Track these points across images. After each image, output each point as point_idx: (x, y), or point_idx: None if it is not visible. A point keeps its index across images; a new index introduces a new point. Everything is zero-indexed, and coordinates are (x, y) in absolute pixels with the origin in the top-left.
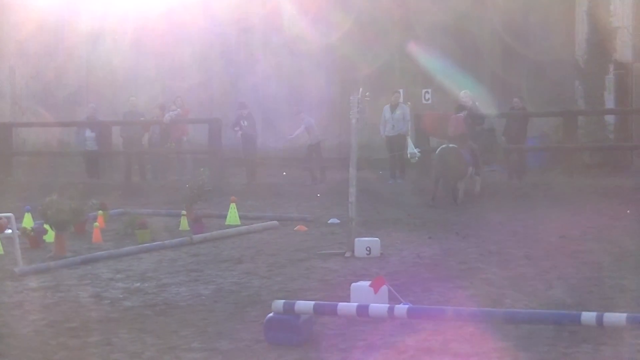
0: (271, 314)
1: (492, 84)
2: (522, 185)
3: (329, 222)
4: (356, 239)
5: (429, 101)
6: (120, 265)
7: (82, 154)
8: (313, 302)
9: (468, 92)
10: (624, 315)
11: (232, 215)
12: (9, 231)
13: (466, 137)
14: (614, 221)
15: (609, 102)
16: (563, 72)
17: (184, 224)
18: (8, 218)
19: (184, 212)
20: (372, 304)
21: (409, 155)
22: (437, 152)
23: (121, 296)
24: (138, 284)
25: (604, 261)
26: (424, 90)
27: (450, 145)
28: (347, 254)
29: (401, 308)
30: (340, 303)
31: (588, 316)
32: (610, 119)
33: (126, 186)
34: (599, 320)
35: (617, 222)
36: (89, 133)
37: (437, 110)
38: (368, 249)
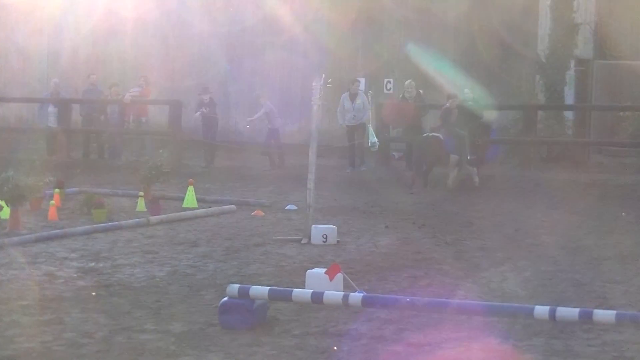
0: (226, 298)
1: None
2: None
3: (286, 208)
4: (313, 226)
5: (391, 90)
6: (75, 245)
7: (42, 130)
8: (268, 288)
9: (413, 82)
10: (577, 309)
11: (190, 197)
12: None
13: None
14: (569, 215)
15: (569, 97)
16: (525, 66)
17: (141, 205)
18: None
19: (141, 193)
20: (326, 291)
21: (369, 144)
22: (418, 140)
23: (75, 275)
24: (92, 264)
25: (558, 255)
26: (385, 80)
27: (432, 134)
28: (304, 241)
29: (356, 296)
30: (295, 289)
31: (541, 310)
32: (569, 114)
33: (84, 165)
34: (552, 314)
35: (572, 216)
36: (51, 109)
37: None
38: (324, 236)
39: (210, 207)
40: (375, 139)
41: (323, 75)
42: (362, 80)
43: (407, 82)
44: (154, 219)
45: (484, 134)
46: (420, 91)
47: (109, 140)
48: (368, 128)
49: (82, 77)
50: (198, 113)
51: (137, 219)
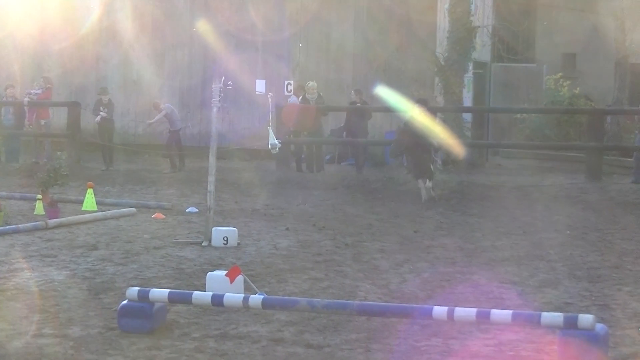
0: (125, 301)
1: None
2: (377, 179)
3: (187, 210)
4: (213, 228)
5: (291, 92)
6: None
7: None
8: (168, 291)
9: (315, 84)
10: (474, 310)
11: (89, 200)
12: None
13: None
14: (466, 217)
15: (467, 100)
16: (424, 68)
17: (39, 208)
18: None
19: (39, 196)
20: (227, 294)
21: (269, 146)
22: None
23: None
24: None
25: (456, 256)
26: (286, 82)
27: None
28: (204, 243)
29: (256, 298)
30: (195, 292)
31: (439, 310)
32: (467, 116)
33: None
34: (450, 315)
35: (470, 218)
36: None
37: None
38: (225, 238)
39: (109, 210)
40: (276, 141)
41: (223, 77)
42: (263, 82)
43: (308, 84)
44: (52, 222)
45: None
46: (321, 93)
47: (5, 143)
48: (269, 130)
49: None
50: (98, 117)
51: (35, 222)
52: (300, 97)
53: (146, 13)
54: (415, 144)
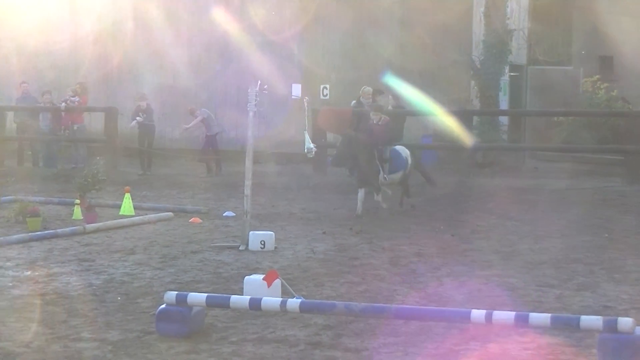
0: (163, 306)
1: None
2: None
3: (223, 214)
4: (250, 232)
5: (327, 97)
6: (10, 253)
7: None
8: (205, 295)
9: (370, 89)
10: (513, 313)
11: (126, 205)
12: None
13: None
14: (503, 220)
15: (503, 103)
16: (460, 72)
17: (77, 213)
18: None
19: (77, 200)
20: (264, 298)
21: (305, 150)
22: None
23: (10, 284)
24: (28, 273)
25: (493, 259)
26: (322, 86)
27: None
28: (241, 247)
29: (293, 302)
30: (233, 296)
31: (477, 314)
32: (503, 120)
33: (18, 173)
34: (488, 318)
35: (507, 221)
36: None
37: (335, 105)
38: (262, 242)
39: (147, 215)
40: (312, 145)
41: (259, 82)
42: (299, 86)
43: (364, 89)
44: (90, 226)
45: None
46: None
47: (43, 148)
48: (305, 134)
49: (15, 85)
50: (134, 123)
51: (73, 227)
52: (354, 102)
53: (181, 19)
54: (361, 152)
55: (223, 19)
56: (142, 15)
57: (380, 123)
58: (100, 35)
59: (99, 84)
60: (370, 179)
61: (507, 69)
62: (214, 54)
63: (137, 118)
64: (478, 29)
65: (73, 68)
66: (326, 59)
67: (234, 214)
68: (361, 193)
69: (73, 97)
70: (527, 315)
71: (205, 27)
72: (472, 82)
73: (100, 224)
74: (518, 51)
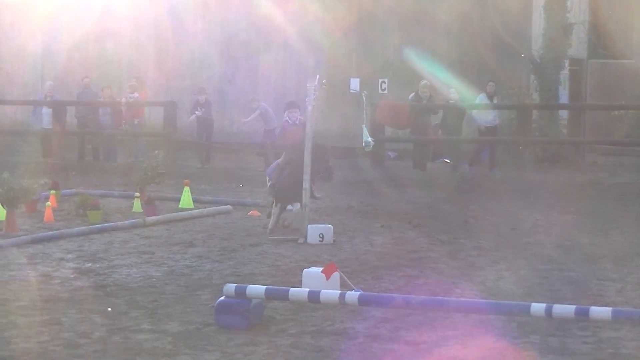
0: (222, 298)
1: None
2: (472, 177)
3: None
4: (309, 226)
5: (385, 91)
6: (71, 246)
7: (37, 132)
8: (264, 287)
9: (427, 83)
10: (573, 307)
11: (186, 198)
12: None
13: None
14: (564, 215)
15: (563, 97)
16: (519, 66)
17: (137, 206)
18: None
19: (137, 194)
20: (323, 290)
21: (363, 144)
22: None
23: (72, 276)
24: (89, 265)
25: (553, 253)
26: (380, 80)
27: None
28: (300, 240)
29: (352, 295)
30: (292, 288)
31: (537, 307)
32: (563, 114)
33: (79, 166)
34: (548, 312)
35: (567, 215)
36: (46, 110)
37: (393, 99)
38: (321, 235)
39: (206, 208)
40: (370, 139)
41: (317, 76)
42: (357, 80)
43: (422, 82)
44: (150, 219)
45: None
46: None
47: (103, 142)
48: (363, 128)
49: (76, 80)
50: (193, 117)
51: (133, 220)
52: (412, 95)
53: (240, 14)
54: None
55: (282, 12)
56: (199, 7)
57: None
58: (157, 28)
59: (158, 78)
60: (296, 192)
61: (567, 63)
62: (273, 47)
63: (196, 112)
64: (538, 22)
65: (131, 62)
66: (383, 53)
67: (293, 207)
68: (278, 209)
69: (132, 94)
70: (588, 309)
71: (262, 19)
72: (532, 76)
73: (160, 216)
74: (578, 45)
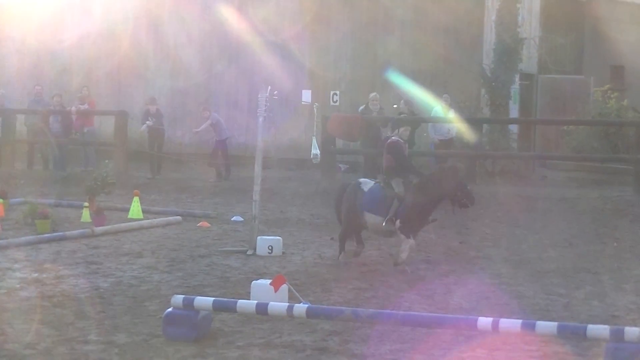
0: (170, 309)
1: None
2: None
3: (232, 219)
4: (259, 237)
5: (337, 103)
6: (19, 255)
7: None
8: (212, 299)
9: (377, 95)
10: (519, 321)
11: (135, 208)
12: None
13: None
14: (513, 229)
15: (513, 111)
16: (470, 80)
17: (86, 215)
18: None
19: (86, 203)
20: (271, 302)
21: (311, 156)
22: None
23: (18, 286)
24: (36, 275)
25: (502, 268)
26: (332, 92)
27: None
28: (249, 252)
29: (300, 307)
30: (240, 300)
31: (484, 321)
32: (513, 128)
33: (28, 175)
34: (495, 326)
35: (516, 229)
36: None
37: (344, 112)
38: (270, 247)
39: (155, 218)
40: (317, 151)
41: (269, 87)
42: (309, 92)
43: (372, 95)
44: (98, 229)
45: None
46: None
47: (53, 151)
48: (312, 140)
49: (27, 88)
50: (144, 126)
51: (82, 230)
52: (362, 107)
53: (193, 24)
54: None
55: (234, 23)
56: (152, 18)
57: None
58: (110, 38)
59: (109, 87)
60: None
61: (517, 78)
62: (225, 58)
63: (147, 122)
64: (489, 37)
65: (82, 71)
66: (335, 65)
67: (243, 219)
68: None
69: (82, 104)
70: (534, 324)
71: (216, 30)
72: (483, 90)
73: (109, 227)
74: (529, 60)
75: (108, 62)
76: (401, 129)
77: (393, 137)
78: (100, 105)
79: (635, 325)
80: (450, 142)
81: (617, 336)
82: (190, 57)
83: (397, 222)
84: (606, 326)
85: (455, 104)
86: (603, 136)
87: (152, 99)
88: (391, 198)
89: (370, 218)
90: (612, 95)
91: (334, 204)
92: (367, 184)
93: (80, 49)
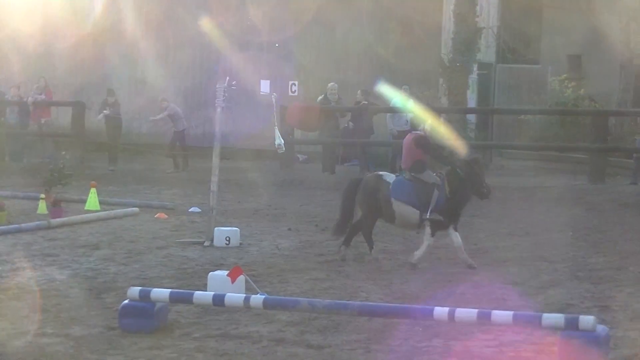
0: (127, 301)
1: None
2: None
3: (189, 210)
4: (216, 229)
5: (295, 93)
6: None
7: None
8: (169, 290)
9: (336, 85)
10: (475, 311)
11: (92, 200)
12: None
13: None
14: (470, 218)
15: (472, 101)
16: (429, 69)
17: (42, 207)
18: None
19: (42, 195)
20: (228, 294)
21: (276, 146)
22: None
23: None
24: None
25: (458, 258)
26: (290, 82)
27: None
28: (206, 243)
29: (257, 298)
30: (197, 292)
31: (440, 311)
32: (471, 117)
33: None
34: (451, 315)
35: (473, 219)
36: None
37: (303, 102)
38: (227, 238)
39: (112, 210)
40: (282, 141)
41: (227, 78)
42: (267, 82)
43: (330, 85)
44: (55, 221)
45: None
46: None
47: (10, 142)
48: (274, 130)
49: None
50: (101, 115)
51: (38, 222)
52: (321, 97)
53: (149, 13)
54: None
55: (194, 14)
56: (112, 10)
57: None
58: (69, 28)
59: (68, 78)
60: None
61: (475, 67)
62: (184, 49)
63: (105, 111)
64: (448, 26)
65: (42, 63)
66: (295, 55)
67: (200, 210)
68: None
69: (39, 94)
70: (490, 313)
71: (175, 21)
72: (441, 80)
73: (65, 218)
74: (487, 49)
75: (67, 53)
76: (426, 125)
77: (417, 131)
78: (58, 96)
79: (590, 314)
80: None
81: (572, 324)
82: (147, 46)
83: (435, 214)
84: (561, 315)
85: (414, 94)
86: (560, 125)
87: (110, 90)
88: (430, 188)
89: (401, 208)
90: (569, 85)
91: (343, 200)
92: (388, 176)
93: (35, 38)
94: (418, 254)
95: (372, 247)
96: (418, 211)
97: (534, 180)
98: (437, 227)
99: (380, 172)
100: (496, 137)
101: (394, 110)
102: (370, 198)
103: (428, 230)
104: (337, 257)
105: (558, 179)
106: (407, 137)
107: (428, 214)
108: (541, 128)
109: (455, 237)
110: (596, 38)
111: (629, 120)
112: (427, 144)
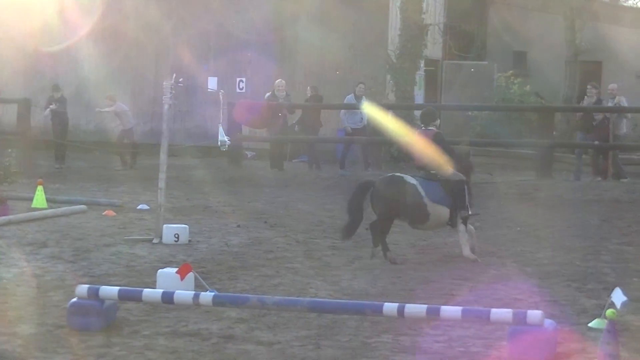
0: (75, 299)
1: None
2: (330, 177)
3: (138, 207)
4: (164, 226)
5: (243, 90)
6: None
7: None
8: (118, 288)
9: (283, 82)
10: (424, 306)
11: (39, 198)
12: None
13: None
14: None
15: (418, 97)
16: (376, 66)
17: None
18: None
19: None
20: (177, 291)
21: (219, 143)
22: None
23: None
24: None
25: (408, 253)
26: (238, 79)
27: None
28: (155, 241)
29: (206, 295)
30: (146, 289)
31: (389, 307)
32: (418, 114)
33: None
34: (400, 311)
35: None
36: None
37: (250, 99)
38: (176, 235)
39: (60, 207)
40: (226, 138)
41: (174, 75)
42: (215, 79)
43: (277, 81)
44: (1, 219)
45: None
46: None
47: None
48: (219, 127)
49: None
50: (47, 111)
51: None
52: (269, 94)
53: (97, 10)
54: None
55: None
56: (58, 6)
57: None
58: (19, 27)
59: (15, 76)
60: None
61: (422, 64)
62: (132, 46)
63: (51, 106)
64: (395, 22)
65: None
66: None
67: (149, 207)
68: None
69: None
70: (439, 308)
71: (122, 17)
72: (388, 76)
73: (12, 216)
74: (434, 46)
75: (13, 50)
76: (437, 122)
77: (430, 128)
78: (4, 94)
79: (538, 309)
80: (362, 130)
81: (520, 319)
82: (95, 43)
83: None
84: (509, 310)
85: (366, 92)
86: (506, 121)
87: (56, 85)
88: (459, 185)
89: (436, 209)
90: (515, 81)
91: (352, 203)
92: (409, 177)
93: None
94: (465, 249)
95: (387, 251)
96: (449, 209)
97: (482, 176)
98: (467, 220)
99: (398, 174)
100: (444, 133)
101: (342, 108)
102: (392, 201)
103: (462, 227)
104: (372, 258)
105: (505, 175)
106: (419, 134)
107: (469, 210)
108: (488, 124)
109: (464, 235)
110: (542, 35)
111: (574, 116)
112: (444, 140)
